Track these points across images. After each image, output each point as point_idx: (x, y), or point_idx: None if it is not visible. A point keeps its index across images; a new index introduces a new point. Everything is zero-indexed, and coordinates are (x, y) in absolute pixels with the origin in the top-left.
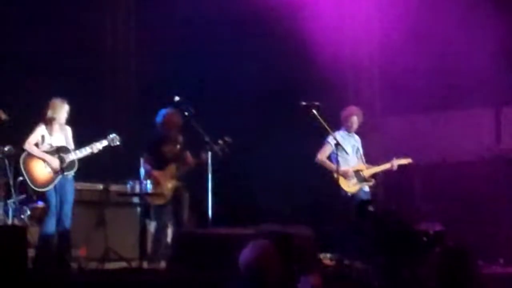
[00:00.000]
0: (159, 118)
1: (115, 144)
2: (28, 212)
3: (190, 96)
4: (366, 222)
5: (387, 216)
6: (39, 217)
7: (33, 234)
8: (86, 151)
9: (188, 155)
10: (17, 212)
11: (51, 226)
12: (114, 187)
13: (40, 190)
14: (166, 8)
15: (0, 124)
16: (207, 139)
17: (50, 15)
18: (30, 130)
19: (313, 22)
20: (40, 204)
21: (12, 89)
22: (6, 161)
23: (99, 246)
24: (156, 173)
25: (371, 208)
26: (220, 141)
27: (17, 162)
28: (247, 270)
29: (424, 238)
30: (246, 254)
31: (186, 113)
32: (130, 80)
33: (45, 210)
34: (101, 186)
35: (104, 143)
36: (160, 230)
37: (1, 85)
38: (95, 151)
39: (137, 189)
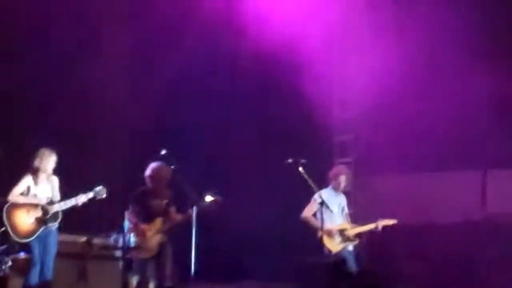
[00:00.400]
0: (148, 172)
1: (101, 196)
2: (10, 263)
3: (178, 148)
4: (342, 283)
5: (362, 276)
6: (21, 268)
7: (14, 285)
8: (71, 202)
9: (173, 211)
10: None
11: (34, 277)
12: (97, 240)
13: (22, 241)
14: (159, 61)
15: None
16: (192, 194)
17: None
18: (14, 180)
19: (302, 78)
20: (22, 255)
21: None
22: None
23: None
24: (142, 226)
25: (346, 268)
26: (207, 197)
27: (0, 212)
28: None
29: None
30: None
31: (172, 167)
32: (121, 132)
33: (28, 261)
34: (84, 239)
35: (90, 195)
36: (143, 285)
37: None
38: (80, 203)
39: (120, 242)
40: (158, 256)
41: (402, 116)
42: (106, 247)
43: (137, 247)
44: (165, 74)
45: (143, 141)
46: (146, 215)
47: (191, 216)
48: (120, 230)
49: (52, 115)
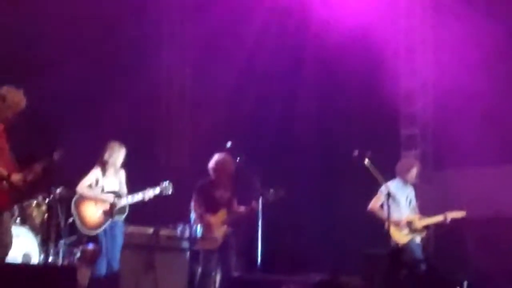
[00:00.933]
0: (212, 163)
1: (168, 192)
2: (78, 254)
3: (244, 142)
4: (400, 271)
5: (419, 264)
6: (89, 259)
7: (82, 276)
8: (138, 197)
9: (235, 202)
10: (67, 253)
11: (102, 268)
12: (164, 231)
13: (89, 233)
14: (219, 56)
15: (53, 165)
16: (258, 186)
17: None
18: (84, 172)
19: (367, 73)
20: (90, 246)
21: (69, 130)
22: (58, 203)
23: None
24: (208, 217)
25: (412, 260)
26: (271, 190)
27: (69, 204)
28: None
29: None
30: None
31: (238, 159)
32: (185, 125)
33: (96, 252)
34: (151, 230)
35: (157, 190)
36: (206, 276)
37: (58, 127)
38: (147, 198)
39: (187, 233)
40: (223, 248)
41: (468, 109)
42: (173, 238)
43: (202, 238)
44: (230, 67)
45: (208, 133)
46: (210, 206)
47: (256, 209)
48: (187, 221)
49: (117, 110)
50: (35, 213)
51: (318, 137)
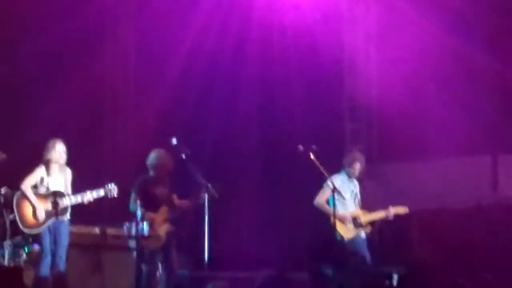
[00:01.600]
0: (151, 160)
1: (112, 195)
2: (24, 255)
3: (188, 138)
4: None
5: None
6: (35, 260)
7: (28, 277)
8: (76, 199)
9: (175, 198)
10: (13, 254)
11: (45, 268)
12: (110, 230)
13: (29, 232)
14: (165, 46)
15: None
16: (203, 181)
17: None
18: (27, 170)
19: (310, 66)
20: (36, 247)
21: (13, 130)
22: (2, 203)
23: None
24: (151, 215)
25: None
26: (210, 186)
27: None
28: None
29: (386, 281)
30: None
31: (183, 155)
32: (129, 119)
33: (40, 253)
34: (97, 229)
35: (101, 193)
36: (152, 275)
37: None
38: (86, 201)
39: (133, 231)
40: (166, 245)
41: (413, 101)
42: (119, 237)
43: (146, 236)
44: (172, 59)
45: (152, 132)
46: (152, 204)
47: (200, 202)
48: (133, 219)
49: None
50: None
51: (262, 131)
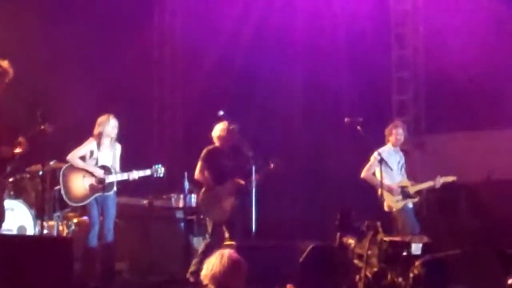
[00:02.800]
0: (216, 131)
1: (159, 175)
2: (73, 226)
3: (236, 111)
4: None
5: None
6: (84, 231)
7: (77, 248)
8: (122, 177)
9: (239, 173)
10: (62, 226)
11: (93, 239)
12: (158, 202)
13: (74, 204)
14: (210, 24)
15: (46, 137)
16: (251, 153)
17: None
18: (78, 144)
19: (357, 38)
20: (85, 218)
21: (64, 104)
22: (52, 175)
23: (143, 260)
24: (218, 187)
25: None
26: (272, 163)
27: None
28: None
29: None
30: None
31: (231, 127)
32: (176, 91)
33: (88, 224)
34: (145, 201)
35: (148, 173)
36: (214, 247)
37: (50, 97)
38: (131, 179)
39: (181, 203)
40: (230, 219)
41: (462, 73)
42: (167, 209)
43: (211, 209)
44: (218, 35)
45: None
46: (219, 175)
47: (275, 170)
48: (181, 191)
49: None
50: (29, 186)
51: (308, 103)
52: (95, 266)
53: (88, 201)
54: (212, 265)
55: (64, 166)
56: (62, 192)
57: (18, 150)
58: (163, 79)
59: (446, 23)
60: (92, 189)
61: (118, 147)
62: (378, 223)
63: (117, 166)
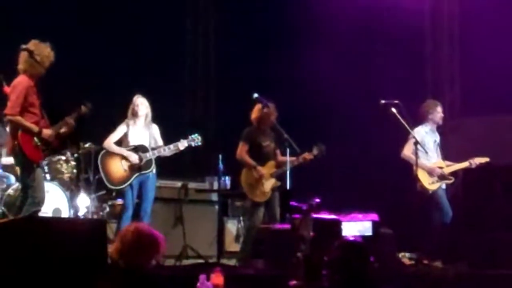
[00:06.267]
0: (256, 112)
1: (197, 144)
2: (107, 209)
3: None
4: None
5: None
6: (118, 214)
7: (111, 230)
8: (166, 151)
9: (279, 154)
10: (97, 208)
11: (126, 221)
12: (192, 184)
13: (115, 188)
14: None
15: (81, 118)
16: (286, 136)
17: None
18: (112, 127)
19: (391, 21)
20: (119, 201)
21: (97, 86)
22: (87, 158)
23: (177, 243)
24: (260, 168)
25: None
26: (315, 147)
27: (97, 159)
28: None
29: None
30: None
31: (265, 110)
32: (210, 77)
33: (122, 207)
34: (179, 184)
35: (185, 143)
36: (253, 229)
37: (86, 81)
38: (176, 151)
39: (216, 185)
40: (270, 201)
41: (495, 56)
42: (201, 191)
43: (251, 190)
44: None
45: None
46: (260, 156)
47: (319, 155)
48: (216, 173)
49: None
50: (64, 168)
51: (343, 85)
52: None
53: (129, 182)
54: (120, 239)
55: (101, 153)
56: (103, 177)
57: (63, 129)
58: None
59: (482, 5)
60: (132, 169)
61: (155, 127)
62: (315, 202)
63: (160, 144)
